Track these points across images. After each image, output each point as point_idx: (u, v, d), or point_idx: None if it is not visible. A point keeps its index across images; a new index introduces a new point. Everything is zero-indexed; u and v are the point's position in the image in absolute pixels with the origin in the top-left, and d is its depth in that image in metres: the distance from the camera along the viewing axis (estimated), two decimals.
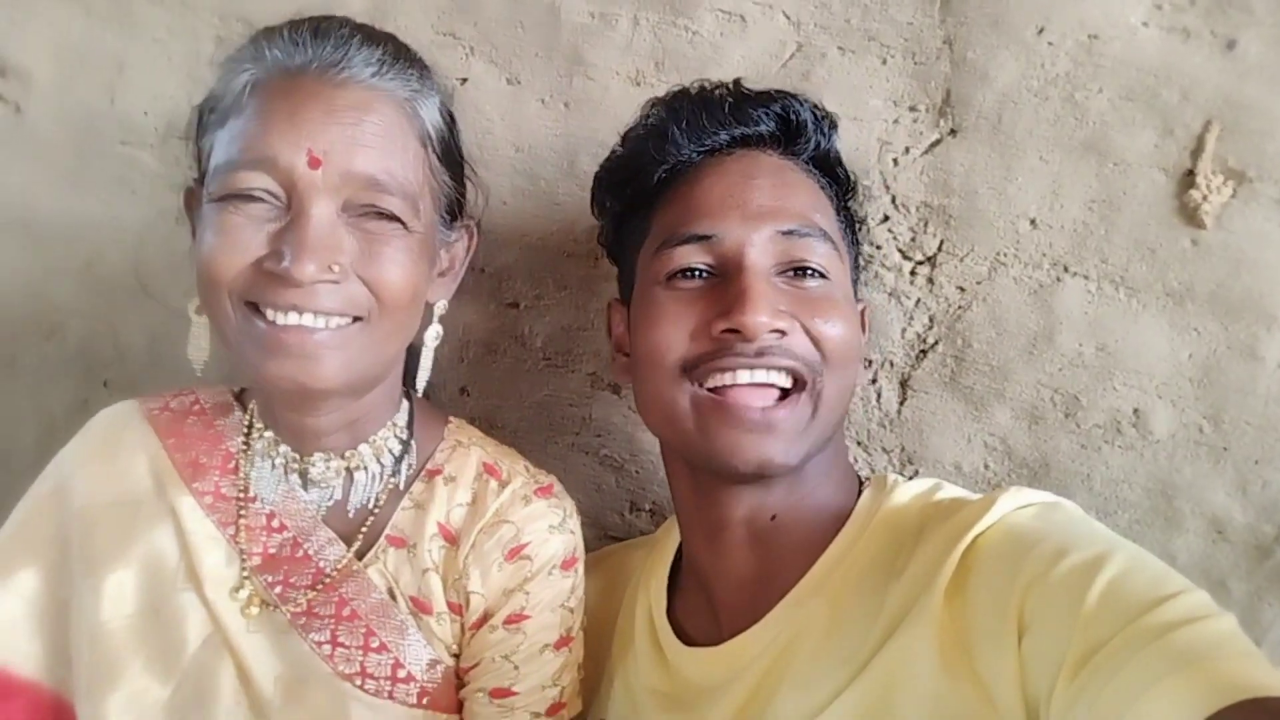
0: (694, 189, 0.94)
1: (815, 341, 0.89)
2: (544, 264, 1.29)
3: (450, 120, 0.96)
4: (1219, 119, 1.01)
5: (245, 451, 0.99)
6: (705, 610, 0.99)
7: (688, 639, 0.98)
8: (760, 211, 0.91)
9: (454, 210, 0.98)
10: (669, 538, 1.10)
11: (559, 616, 0.96)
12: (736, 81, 0.99)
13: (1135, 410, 1.07)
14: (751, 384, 0.88)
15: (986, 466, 1.14)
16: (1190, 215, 1.02)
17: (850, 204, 1.02)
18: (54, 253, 1.51)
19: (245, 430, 1.00)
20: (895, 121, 1.13)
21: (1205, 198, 1.01)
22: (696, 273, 0.92)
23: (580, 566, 0.99)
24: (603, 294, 1.27)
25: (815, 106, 0.98)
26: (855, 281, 1.01)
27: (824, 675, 0.84)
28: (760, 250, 0.90)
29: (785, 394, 0.90)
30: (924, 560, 0.83)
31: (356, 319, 0.86)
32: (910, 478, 1.14)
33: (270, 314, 0.84)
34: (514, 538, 0.95)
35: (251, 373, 0.87)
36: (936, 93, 1.11)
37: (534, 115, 1.26)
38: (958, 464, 1.15)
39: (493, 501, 0.96)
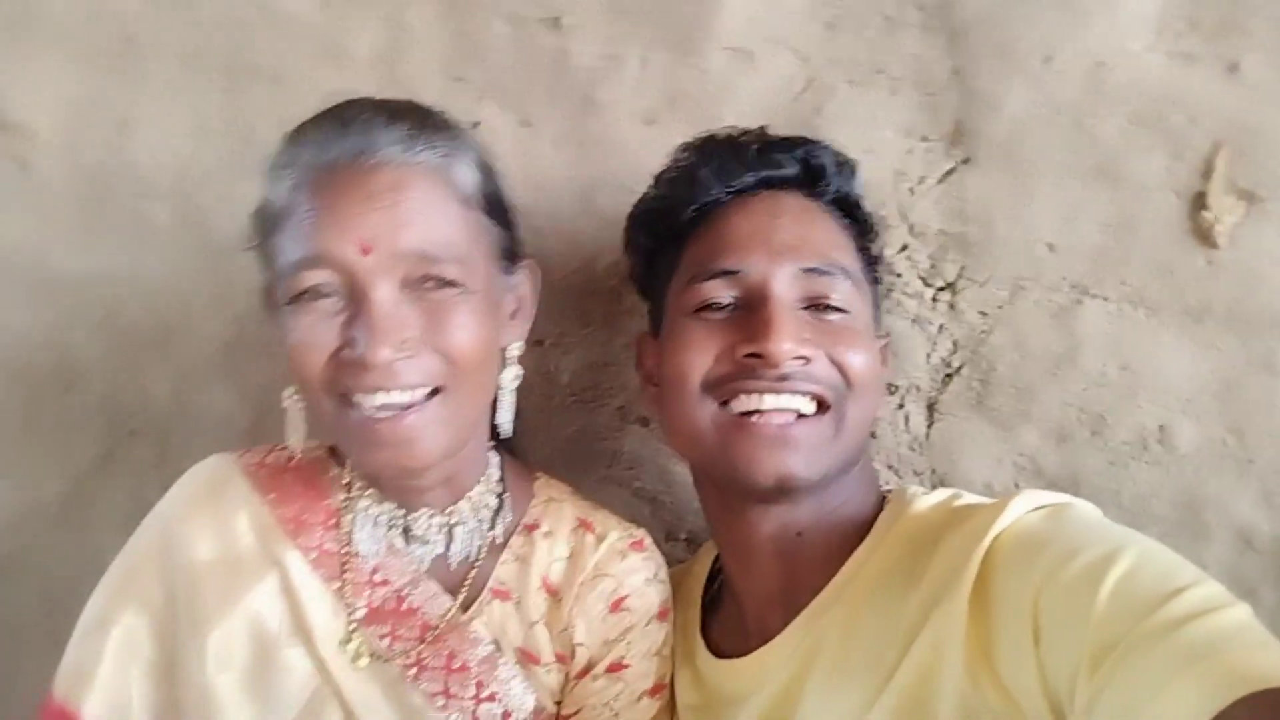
0: (722, 227, 0.98)
1: (840, 368, 0.92)
2: (566, 302, 1.30)
3: (488, 171, 0.97)
4: (1227, 141, 1.03)
5: (346, 508, 1.00)
6: (739, 624, 1.02)
7: (721, 653, 1.01)
8: (784, 248, 0.94)
9: (510, 255, 0.99)
10: (704, 558, 1.14)
11: (654, 664, 1.00)
12: (762, 129, 1.04)
13: (1160, 426, 1.09)
14: (775, 409, 0.91)
15: (1017, 485, 1.16)
16: (1204, 235, 1.05)
17: (870, 244, 1.05)
18: (71, 306, 1.51)
19: (345, 487, 1.01)
20: (909, 152, 1.15)
21: (1218, 218, 1.03)
22: (723, 306, 0.95)
23: (671, 616, 1.04)
24: (625, 329, 1.29)
25: (837, 153, 1.02)
26: (876, 318, 1.04)
27: (848, 683, 0.86)
28: (784, 284, 0.93)
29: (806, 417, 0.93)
30: (942, 566, 0.84)
31: (436, 390, 0.88)
32: None
33: (358, 399, 0.86)
34: (614, 590, 0.99)
35: (354, 458, 0.90)
36: (947, 122, 1.14)
37: (548, 156, 1.28)
38: (989, 484, 1.16)
39: (591, 556, 1.00)
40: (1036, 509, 0.84)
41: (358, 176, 0.86)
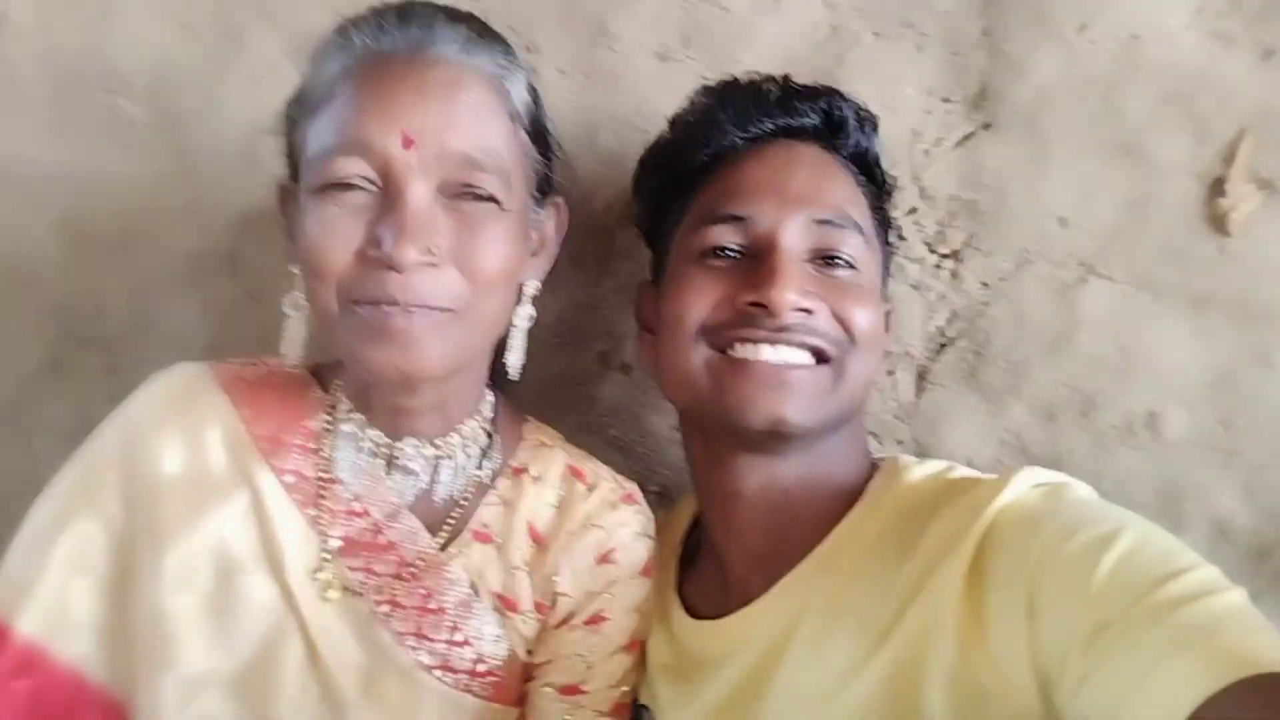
0: (735, 172, 0.96)
1: (843, 323, 0.91)
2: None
3: (536, 96, 0.95)
4: (1253, 127, 1.02)
5: (328, 431, 0.96)
6: (717, 584, 1.00)
7: (697, 613, 1.00)
8: (797, 198, 0.92)
9: (543, 188, 0.96)
10: (682, 514, 1.11)
11: (633, 620, 0.98)
12: (785, 76, 1.01)
13: (1150, 413, 1.09)
14: (771, 360, 0.89)
15: (1000, 461, 1.15)
16: (1218, 222, 1.04)
17: (885, 205, 1.03)
18: (31, 203, 1.42)
19: (329, 409, 0.97)
20: (928, 112, 1.12)
21: (1234, 205, 1.02)
22: (729, 252, 0.93)
23: (654, 573, 1.01)
24: (617, 273, 1.25)
25: (859, 107, 1.00)
26: (884, 281, 1.03)
27: (834, 651, 0.85)
28: (793, 235, 0.91)
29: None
30: (938, 537, 0.83)
31: (449, 310, 0.84)
32: None
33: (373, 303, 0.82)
34: (603, 542, 0.97)
35: (353, 358, 0.85)
36: (972, 85, 1.11)
37: (552, 85, 1.22)
38: (970, 459, 1.15)
39: (581, 505, 0.97)
40: (1037, 485, 0.84)
41: (412, 68, 0.83)
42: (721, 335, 0.91)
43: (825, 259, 0.92)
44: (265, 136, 1.32)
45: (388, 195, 0.81)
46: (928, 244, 1.14)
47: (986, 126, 1.10)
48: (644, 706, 1.03)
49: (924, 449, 1.18)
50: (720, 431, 0.93)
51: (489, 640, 0.93)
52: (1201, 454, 1.09)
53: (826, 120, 0.98)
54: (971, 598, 0.78)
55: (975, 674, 0.76)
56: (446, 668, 0.91)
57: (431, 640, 0.91)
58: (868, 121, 1.01)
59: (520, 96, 0.91)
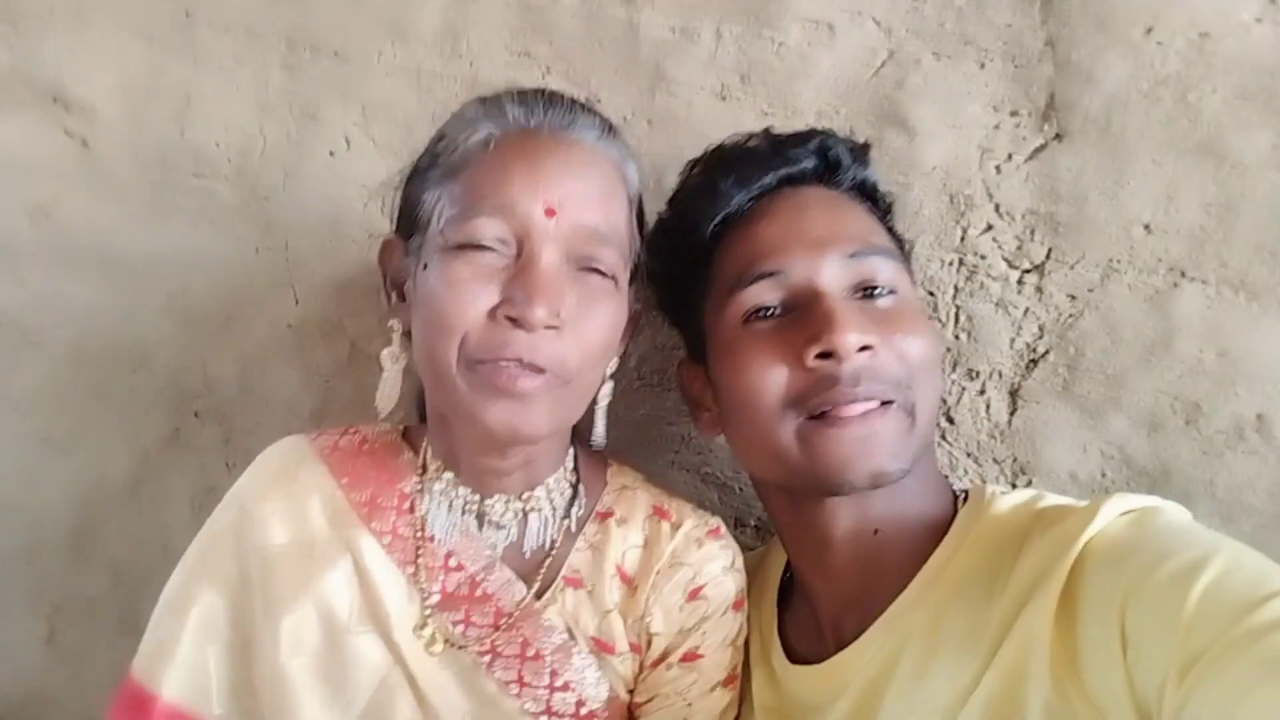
0: (751, 233, 0.97)
1: (901, 358, 0.90)
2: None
3: (640, 184, 1.00)
4: None
5: (420, 492, 1.00)
6: (813, 627, 1.00)
7: (798, 657, 1.00)
8: (821, 239, 0.93)
9: (634, 274, 0.99)
10: (776, 556, 1.11)
11: (728, 654, 0.99)
12: (766, 129, 1.04)
13: (1259, 415, 1.05)
14: (854, 413, 0.88)
15: (1104, 475, 1.12)
16: None
17: (893, 224, 1.05)
18: (137, 286, 1.52)
19: (419, 470, 1.02)
20: (996, 127, 1.11)
21: None
22: (770, 311, 0.93)
23: (746, 605, 1.02)
24: None
25: (850, 139, 1.03)
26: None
27: (931, 689, 0.84)
28: (831, 276, 0.91)
29: None
30: (1028, 570, 0.82)
31: (559, 378, 0.87)
32: (1023, 487, 1.14)
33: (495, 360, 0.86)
34: (691, 579, 0.98)
35: (465, 415, 0.88)
36: (1039, 96, 1.09)
37: None
38: (1073, 473, 1.13)
39: (667, 544, 0.99)
40: (1126, 513, 0.82)
41: (559, 145, 0.89)
42: (809, 403, 0.89)
43: (865, 292, 0.92)
44: (346, 207, 1.40)
45: (522, 258, 0.86)
46: (1007, 260, 1.12)
47: (1058, 137, 1.08)
48: None
49: (1023, 467, 1.16)
50: (819, 491, 0.93)
51: (590, 684, 0.95)
52: None
53: (823, 160, 1.00)
54: (1063, 631, 0.77)
55: (1073, 708, 0.75)
56: (550, 712, 0.94)
57: (534, 687, 0.94)
58: (861, 151, 1.03)
59: (634, 185, 0.97)
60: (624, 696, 0.98)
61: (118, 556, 1.67)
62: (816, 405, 0.88)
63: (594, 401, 0.98)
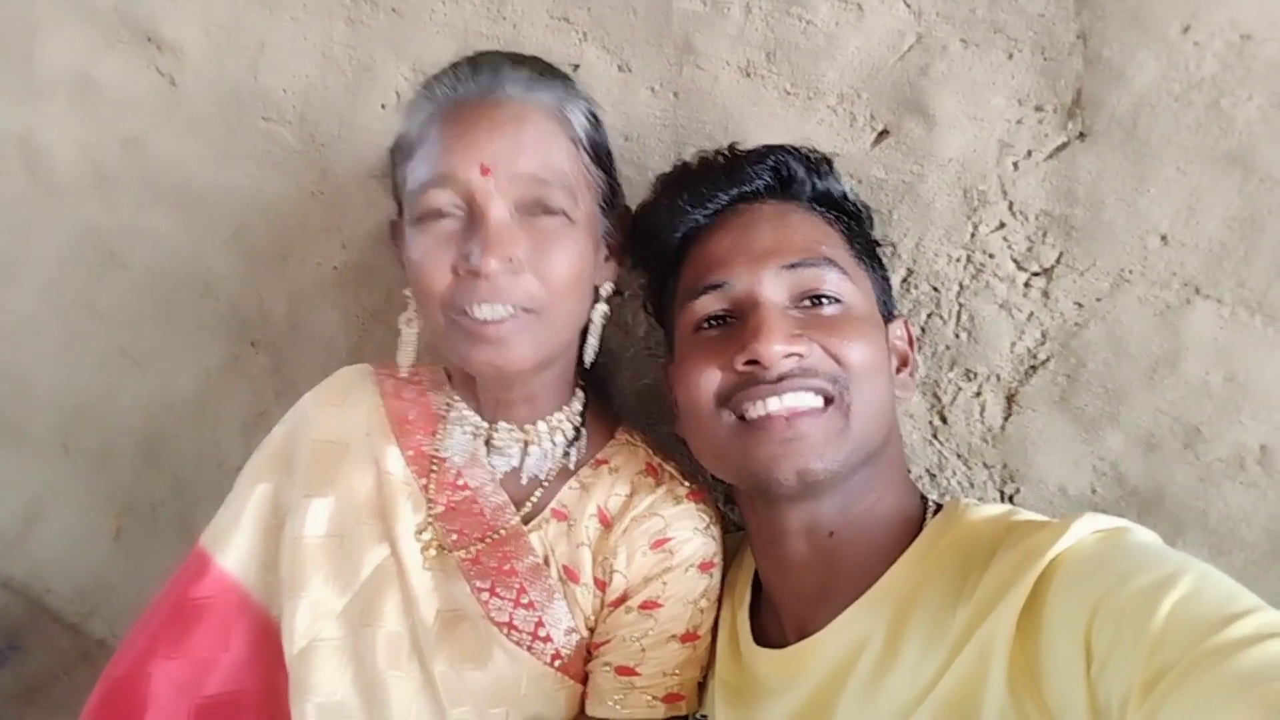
0: (705, 246, 1.03)
1: (836, 358, 0.93)
2: None
3: (596, 121, 1.06)
4: None
5: (442, 418, 1.13)
6: (776, 619, 1.03)
7: (765, 641, 1.03)
8: (762, 252, 0.97)
9: (609, 201, 1.07)
10: None
11: (689, 611, 1.05)
12: (731, 146, 1.09)
13: (1262, 446, 0.99)
14: (781, 410, 0.92)
15: (1094, 491, 1.09)
16: None
17: (865, 232, 1.07)
18: (208, 219, 1.64)
19: (448, 401, 1.14)
20: (1018, 122, 1.06)
21: None
22: (718, 321, 0.99)
23: (717, 572, 1.08)
24: None
25: (807, 153, 1.06)
26: (886, 302, 1.04)
27: (889, 688, 0.86)
28: (769, 287, 0.95)
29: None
30: (994, 582, 0.82)
31: (530, 310, 0.96)
32: (1011, 496, 1.11)
33: (468, 308, 0.95)
34: (661, 530, 1.05)
35: (459, 360, 1.00)
36: (1066, 92, 1.03)
37: (643, 104, 1.26)
38: (1063, 486, 1.10)
39: (648, 495, 1.07)
40: (1096, 531, 0.81)
41: (484, 110, 0.97)
42: (733, 399, 0.94)
43: (812, 300, 0.96)
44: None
45: (472, 218, 0.95)
46: (1016, 261, 1.08)
47: (1081, 136, 1.03)
48: (704, 717, 1.07)
49: (1013, 475, 1.13)
50: (757, 491, 0.96)
51: (553, 609, 1.04)
52: None
53: (776, 177, 1.04)
54: (1026, 641, 0.78)
55: (1028, 717, 0.75)
56: (512, 626, 1.04)
57: (502, 599, 1.04)
58: (821, 164, 1.06)
59: (580, 123, 1.03)
60: (583, 632, 1.06)
61: (180, 467, 1.82)
62: (741, 399, 0.93)
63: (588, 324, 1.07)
